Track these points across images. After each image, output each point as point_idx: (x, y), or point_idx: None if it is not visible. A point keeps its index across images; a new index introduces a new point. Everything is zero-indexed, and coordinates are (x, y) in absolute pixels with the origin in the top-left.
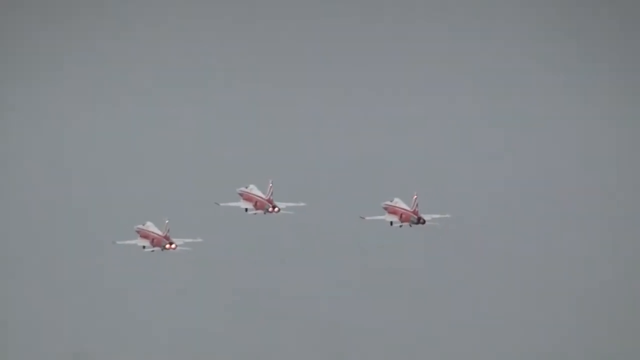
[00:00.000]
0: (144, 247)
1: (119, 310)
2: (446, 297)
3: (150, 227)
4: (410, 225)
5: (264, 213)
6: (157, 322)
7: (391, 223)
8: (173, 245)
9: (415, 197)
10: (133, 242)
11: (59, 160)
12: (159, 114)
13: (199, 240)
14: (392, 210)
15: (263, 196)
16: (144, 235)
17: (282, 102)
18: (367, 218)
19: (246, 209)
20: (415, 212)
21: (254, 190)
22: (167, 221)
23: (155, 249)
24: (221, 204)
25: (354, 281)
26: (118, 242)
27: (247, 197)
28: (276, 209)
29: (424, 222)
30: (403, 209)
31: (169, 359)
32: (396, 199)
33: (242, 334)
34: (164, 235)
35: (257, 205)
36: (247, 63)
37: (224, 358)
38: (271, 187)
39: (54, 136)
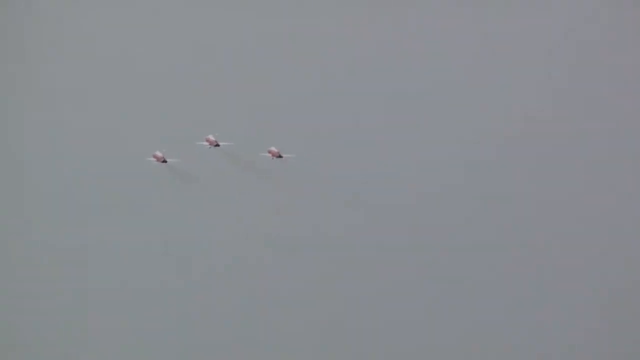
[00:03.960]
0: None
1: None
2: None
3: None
4: (277, 158)
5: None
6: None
7: (272, 157)
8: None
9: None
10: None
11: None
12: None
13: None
14: (269, 151)
15: None
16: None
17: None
18: (260, 154)
19: None
20: (278, 152)
21: None
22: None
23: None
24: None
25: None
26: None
27: None
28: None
29: (280, 157)
30: (273, 151)
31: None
32: (272, 148)
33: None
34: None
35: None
36: None
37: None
38: None
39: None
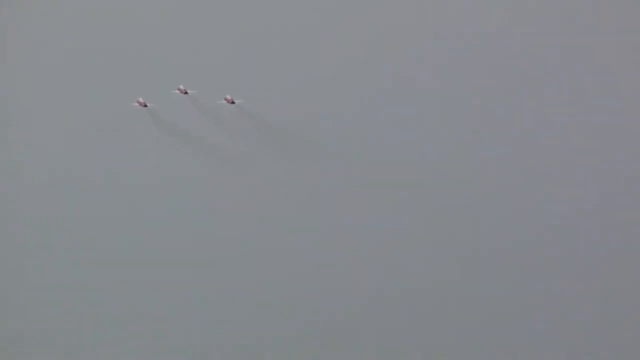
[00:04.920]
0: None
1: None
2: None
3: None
4: (230, 104)
5: None
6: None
7: (227, 103)
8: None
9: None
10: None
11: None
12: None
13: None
14: (225, 99)
15: None
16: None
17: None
18: (217, 102)
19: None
20: (231, 99)
21: None
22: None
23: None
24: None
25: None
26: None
27: None
28: None
29: (233, 103)
30: (227, 98)
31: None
32: (227, 96)
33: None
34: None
35: None
36: None
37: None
38: None
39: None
